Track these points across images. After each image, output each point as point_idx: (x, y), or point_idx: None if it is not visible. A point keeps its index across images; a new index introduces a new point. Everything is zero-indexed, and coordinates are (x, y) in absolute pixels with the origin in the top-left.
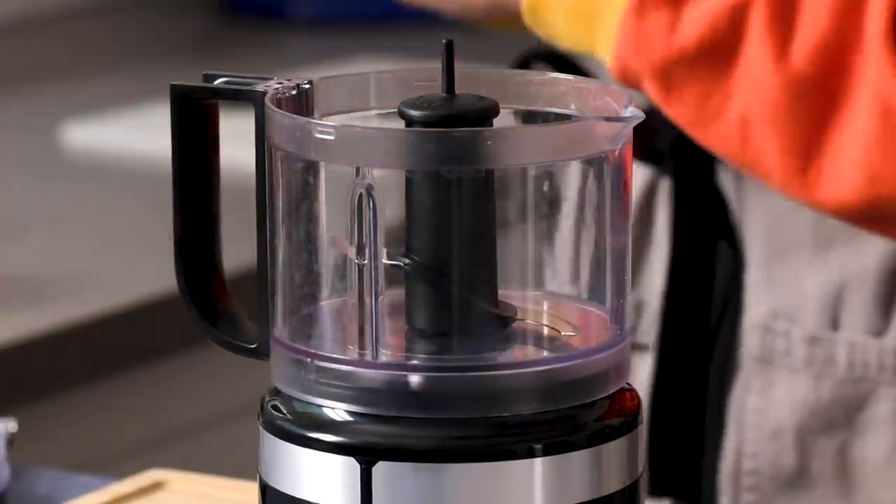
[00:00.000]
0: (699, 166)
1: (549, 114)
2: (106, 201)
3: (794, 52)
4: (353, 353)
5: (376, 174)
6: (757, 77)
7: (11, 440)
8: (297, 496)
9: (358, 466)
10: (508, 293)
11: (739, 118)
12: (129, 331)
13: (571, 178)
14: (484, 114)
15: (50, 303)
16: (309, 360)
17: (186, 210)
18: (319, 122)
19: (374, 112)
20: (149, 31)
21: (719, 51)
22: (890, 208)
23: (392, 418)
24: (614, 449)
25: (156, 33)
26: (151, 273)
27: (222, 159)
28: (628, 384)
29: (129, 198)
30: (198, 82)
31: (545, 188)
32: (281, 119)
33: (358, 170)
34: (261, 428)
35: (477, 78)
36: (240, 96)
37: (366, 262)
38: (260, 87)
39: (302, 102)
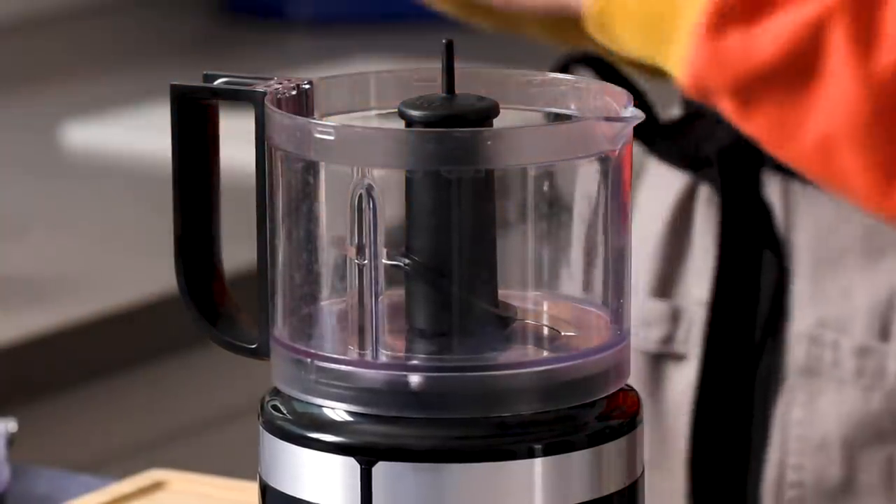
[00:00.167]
0: (745, 174)
1: (549, 114)
2: (106, 201)
3: (876, 66)
4: (354, 354)
5: (376, 174)
6: (838, 92)
7: (11, 440)
8: (297, 496)
9: (358, 466)
10: (508, 293)
11: (821, 134)
12: (129, 331)
13: (571, 178)
14: (484, 114)
15: (50, 303)
16: (309, 360)
17: (186, 210)
18: (319, 122)
19: (374, 112)
20: (149, 31)
21: (799, 67)
22: None
23: (392, 418)
24: (614, 449)
25: (156, 33)
26: (151, 273)
27: (222, 159)
28: (628, 384)
29: (129, 198)
30: (198, 82)
31: (545, 188)
32: (281, 119)
33: (358, 170)
34: (261, 428)
35: (477, 78)
36: (240, 96)
37: (366, 262)
38: (260, 88)
39: (302, 102)
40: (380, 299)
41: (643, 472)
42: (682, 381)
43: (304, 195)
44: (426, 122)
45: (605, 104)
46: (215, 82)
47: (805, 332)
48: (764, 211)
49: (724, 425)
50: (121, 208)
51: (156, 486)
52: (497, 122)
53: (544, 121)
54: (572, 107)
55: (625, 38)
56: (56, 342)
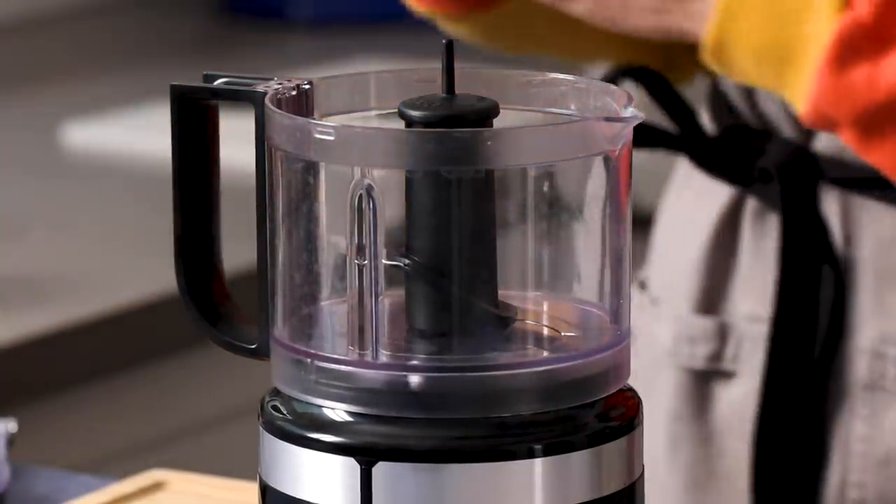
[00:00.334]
0: (805, 189)
1: (549, 114)
2: (106, 201)
3: None
4: (353, 354)
5: (376, 174)
6: None
7: (11, 440)
8: (297, 496)
9: (358, 467)
10: (508, 293)
11: None
12: (129, 331)
13: (571, 178)
14: (484, 114)
15: (50, 303)
16: (309, 360)
17: (186, 210)
18: (319, 122)
19: (374, 112)
20: (149, 31)
21: None
22: None
23: (392, 419)
24: (614, 449)
25: (156, 33)
26: (151, 273)
27: (222, 159)
28: (628, 385)
29: (129, 198)
30: (198, 82)
31: (545, 188)
32: (281, 119)
33: (358, 170)
34: (261, 428)
35: (477, 78)
36: (240, 97)
37: (366, 262)
38: (260, 88)
39: (302, 103)
40: (380, 299)
41: (643, 472)
42: (731, 398)
43: (304, 195)
44: (426, 123)
45: (605, 104)
46: (215, 82)
47: (867, 347)
48: (821, 226)
49: (787, 442)
50: (121, 208)
51: (156, 487)
52: (497, 123)
53: (544, 121)
54: (572, 107)
55: (742, 66)
56: (56, 342)
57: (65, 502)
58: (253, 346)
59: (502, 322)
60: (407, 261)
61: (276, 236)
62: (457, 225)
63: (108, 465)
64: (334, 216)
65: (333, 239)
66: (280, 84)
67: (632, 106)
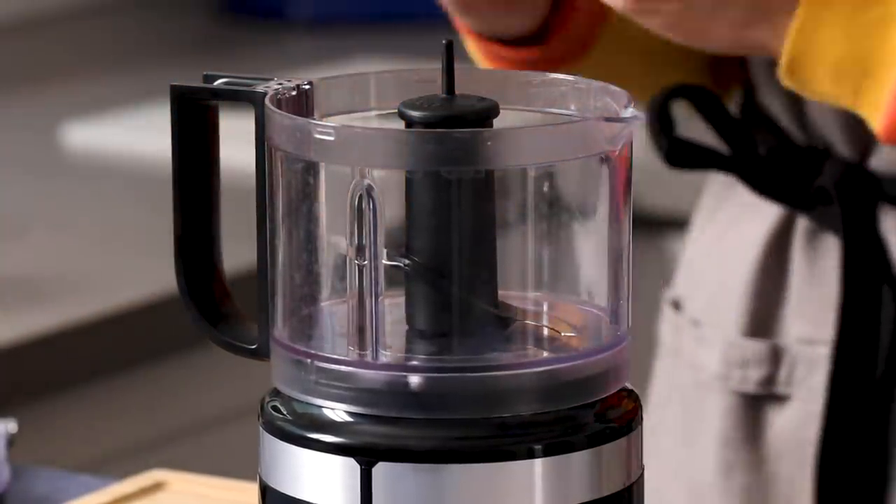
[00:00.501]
0: (864, 209)
1: (548, 114)
2: (106, 201)
3: None
4: (354, 354)
5: (376, 175)
6: None
7: (11, 440)
8: (297, 497)
9: (358, 467)
10: (508, 293)
11: None
12: (129, 331)
13: (571, 178)
14: (484, 114)
15: (50, 303)
16: (309, 360)
17: (186, 210)
18: (319, 122)
19: (374, 113)
20: (149, 31)
21: None
22: None
23: (392, 419)
24: (614, 449)
25: (156, 33)
26: (151, 273)
27: (222, 159)
28: (628, 385)
29: (129, 198)
30: (198, 83)
31: (545, 188)
32: (281, 120)
33: (358, 170)
34: (261, 428)
35: (477, 78)
36: (240, 97)
37: (366, 262)
38: (260, 88)
39: (302, 103)
40: (380, 299)
41: (642, 472)
42: (785, 422)
43: (304, 195)
44: (426, 123)
45: (605, 104)
46: (215, 83)
47: None
48: (880, 245)
49: (851, 464)
50: (121, 208)
51: (156, 487)
52: (497, 123)
53: (544, 121)
54: (572, 107)
55: (819, 80)
56: (56, 342)
57: (65, 502)
58: (253, 347)
59: (502, 322)
60: (407, 261)
61: (276, 236)
62: (457, 225)
63: (108, 465)
64: (334, 216)
65: (333, 239)
66: (280, 84)
67: (631, 106)
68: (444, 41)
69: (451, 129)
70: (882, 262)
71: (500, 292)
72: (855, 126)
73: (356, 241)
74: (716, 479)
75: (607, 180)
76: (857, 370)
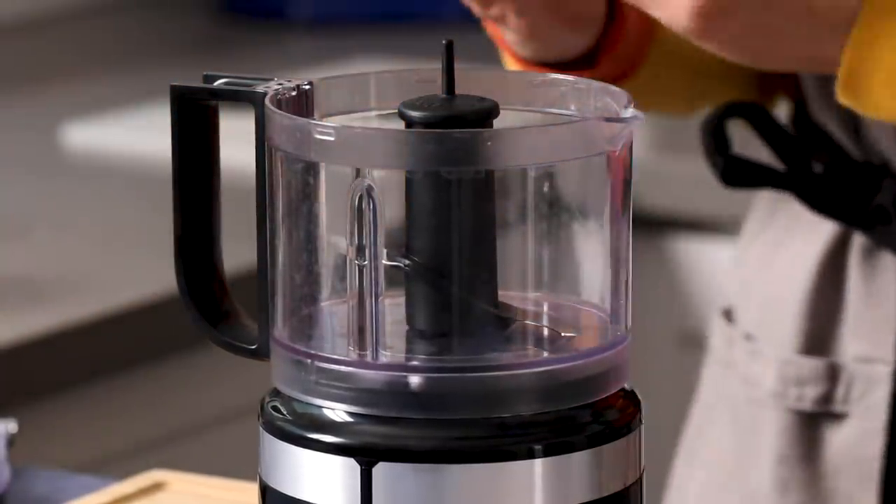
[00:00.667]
0: None
1: (549, 114)
2: (106, 201)
3: None
4: (354, 354)
5: (376, 175)
6: None
7: (11, 440)
8: (297, 497)
9: (358, 467)
10: (508, 293)
11: None
12: (129, 331)
13: (571, 179)
14: (484, 114)
15: (50, 303)
16: (309, 360)
17: (186, 210)
18: (319, 122)
19: (374, 113)
20: (149, 31)
21: None
22: None
23: (392, 419)
24: (614, 449)
25: (156, 33)
26: (151, 273)
27: (222, 159)
28: (627, 386)
29: (129, 198)
30: (198, 83)
31: (545, 188)
32: (281, 120)
33: (358, 171)
34: (261, 428)
35: (477, 79)
36: (240, 97)
37: (366, 262)
38: (260, 88)
39: (302, 103)
40: (380, 300)
41: (643, 472)
42: (842, 440)
43: (304, 196)
44: (426, 123)
45: (605, 104)
46: (215, 83)
47: None
48: None
49: None
50: (121, 208)
51: (156, 487)
52: (497, 123)
53: (544, 121)
54: (572, 107)
55: (877, 94)
56: (56, 342)
57: (65, 502)
58: (253, 347)
59: (502, 322)
60: (407, 261)
61: (276, 236)
62: (457, 225)
63: (108, 465)
64: (334, 216)
65: (333, 239)
66: (280, 84)
67: (631, 106)
68: (444, 41)
69: (451, 129)
70: None
71: (500, 292)
72: None
73: (356, 242)
74: (772, 495)
75: (607, 180)
76: None
